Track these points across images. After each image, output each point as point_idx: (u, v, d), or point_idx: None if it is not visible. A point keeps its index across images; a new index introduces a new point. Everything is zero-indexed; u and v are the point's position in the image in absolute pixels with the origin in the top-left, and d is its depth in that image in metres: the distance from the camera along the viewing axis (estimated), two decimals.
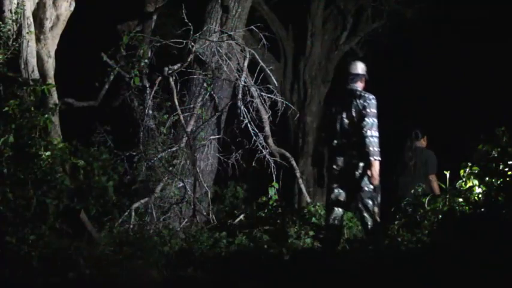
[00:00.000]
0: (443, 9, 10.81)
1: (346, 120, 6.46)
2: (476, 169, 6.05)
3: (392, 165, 8.03)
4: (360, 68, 6.72)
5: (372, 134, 6.27)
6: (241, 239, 7.11)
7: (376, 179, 6.25)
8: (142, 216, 7.42)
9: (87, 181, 6.79)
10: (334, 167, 6.41)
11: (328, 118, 6.61)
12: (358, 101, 6.44)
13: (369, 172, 6.28)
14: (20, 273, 5.50)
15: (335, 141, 6.51)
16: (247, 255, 6.60)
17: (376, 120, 6.33)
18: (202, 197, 7.83)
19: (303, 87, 11.64)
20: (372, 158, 6.24)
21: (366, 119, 6.31)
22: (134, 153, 7.96)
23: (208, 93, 8.22)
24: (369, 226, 6.22)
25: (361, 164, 6.36)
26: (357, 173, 6.37)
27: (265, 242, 6.96)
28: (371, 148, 6.25)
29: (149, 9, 9.27)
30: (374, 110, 6.36)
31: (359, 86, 6.62)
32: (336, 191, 6.38)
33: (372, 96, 6.45)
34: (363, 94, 6.51)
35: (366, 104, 6.39)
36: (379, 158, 6.27)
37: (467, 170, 6.17)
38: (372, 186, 6.34)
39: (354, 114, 6.42)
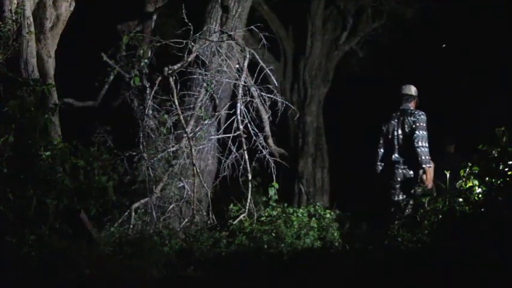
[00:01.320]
0: (443, 9, 10.82)
1: (401, 137, 7.42)
2: (476, 169, 6.05)
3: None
4: (413, 90, 7.71)
5: (423, 145, 7.22)
6: (241, 239, 7.11)
7: (430, 183, 7.14)
8: (142, 216, 7.42)
9: (87, 181, 6.79)
10: (394, 179, 7.35)
11: (385, 135, 7.59)
12: (410, 118, 7.40)
13: (424, 177, 7.16)
14: (20, 273, 5.50)
15: (394, 156, 7.44)
16: (247, 255, 6.59)
17: (425, 133, 7.28)
18: (202, 197, 7.83)
19: (303, 87, 11.65)
20: (424, 166, 7.16)
21: (417, 131, 7.26)
22: (134, 153, 7.96)
23: (208, 93, 8.22)
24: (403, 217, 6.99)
25: (411, 172, 7.30)
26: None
27: (265, 242, 6.96)
28: (423, 157, 7.18)
29: (149, 9, 9.27)
30: (423, 124, 7.31)
31: (411, 105, 7.60)
32: (395, 198, 7.31)
33: (421, 113, 7.41)
34: (413, 112, 7.45)
35: (415, 119, 7.34)
36: (431, 165, 7.19)
37: (467, 170, 6.18)
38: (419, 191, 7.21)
39: (407, 130, 7.37)
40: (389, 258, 5.75)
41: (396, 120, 7.51)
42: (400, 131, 7.44)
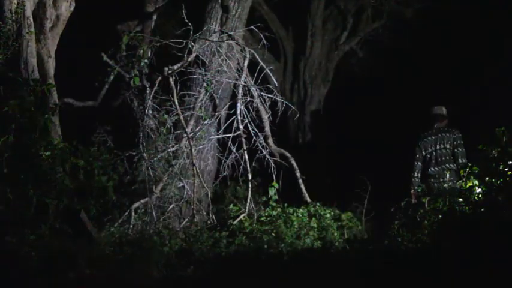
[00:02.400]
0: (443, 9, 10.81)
1: (439, 152, 8.10)
2: (476, 169, 6.05)
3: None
4: (444, 110, 8.38)
5: (465, 162, 7.86)
6: (241, 239, 7.11)
7: None
8: (142, 216, 7.42)
9: (87, 181, 6.79)
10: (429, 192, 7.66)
11: (422, 151, 8.22)
12: (449, 135, 8.14)
13: None
14: (20, 273, 5.49)
15: (431, 169, 8.09)
16: (247, 255, 6.59)
17: (464, 149, 8.01)
18: (202, 197, 7.83)
19: (303, 87, 11.65)
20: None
21: (459, 148, 8.03)
22: (134, 153, 7.95)
23: (208, 93, 8.22)
24: None
25: (446, 186, 7.84)
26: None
27: (265, 242, 6.96)
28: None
29: (149, 9, 9.27)
30: (462, 142, 8.08)
31: (444, 124, 8.30)
32: None
33: (458, 131, 8.17)
34: (451, 129, 8.20)
35: (455, 136, 8.11)
36: None
37: (467, 170, 6.18)
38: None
39: (447, 146, 8.10)
40: (389, 258, 5.74)
41: (434, 137, 8.20)
42: (438, 146, 8.16)
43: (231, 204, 7.99)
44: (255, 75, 8.05)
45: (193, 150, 7.66)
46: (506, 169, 5.70)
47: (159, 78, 7.96)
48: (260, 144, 7.91)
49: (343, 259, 6.27)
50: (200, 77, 8.23)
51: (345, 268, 5.81)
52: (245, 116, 7.86)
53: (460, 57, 11.10)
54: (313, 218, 7.70)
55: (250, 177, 7.76)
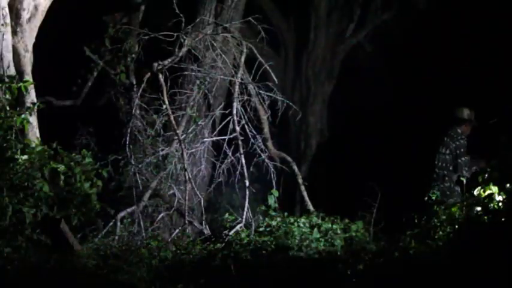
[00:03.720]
0: None
1: (442, 157, 8.53)
2: (495, 175, 6.05)
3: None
4: (465, 113, 8.72)
5: (464, 175, 8.28)
6: (237, 251, 7.11)
7: None
8: (128, 227, 7.43)
9: (68, 188, 6.79)
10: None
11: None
12: (454, 143, 8.52)
13: None
14: None
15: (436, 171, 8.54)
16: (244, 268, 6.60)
17: (466, 158, 8.50)
18: (194, 205, 7.84)
19: (305, 84, 11.66)
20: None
21: (458, 160, 8.47)
22: (120, 157, 7.96)
23: (201, 91, 8.23)
24: None
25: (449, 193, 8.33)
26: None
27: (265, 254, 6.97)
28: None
29: None
30: (463, 150, 8.49)
31: (462, 129, 8.67)
32: None
33: (464, 140, 8.57)
34: (458, 138, 8.57)
35: (456, 145, 8.51)
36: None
37: (486, 175, 6.17)
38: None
39: (446, 151, 8.52)
40: (400, 271, 5.76)
41: (442, 141, 8.61)
42: (441, 150, 8.60)
43: (227, 213, 7.99)
44: (253, 71, 8.06)
45: (184, 153, 7.67)
46: None
47: (148, 74, 7.98)
48: (258, 147, 7.93)
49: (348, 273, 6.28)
50: (193, 73, 8.25)
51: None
52: (242, 116, 7.87)
53: (486, 51, 11.05)
54: (315, 229, 7.70)
55: (247, 184, 7.76)
